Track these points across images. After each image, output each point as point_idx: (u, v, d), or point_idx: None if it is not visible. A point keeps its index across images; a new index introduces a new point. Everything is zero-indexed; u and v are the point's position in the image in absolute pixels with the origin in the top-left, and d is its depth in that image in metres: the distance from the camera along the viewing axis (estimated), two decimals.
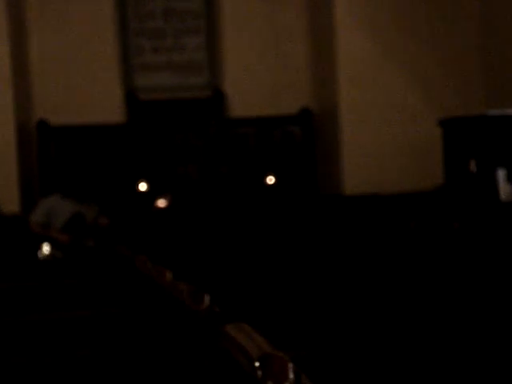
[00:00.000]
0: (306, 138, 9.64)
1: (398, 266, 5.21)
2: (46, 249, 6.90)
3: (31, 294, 3.87)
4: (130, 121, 9.55)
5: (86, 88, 9.50)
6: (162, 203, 8.35)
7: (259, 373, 1.61)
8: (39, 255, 6.86)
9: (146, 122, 9.53)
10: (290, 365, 1.60)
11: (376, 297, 4.57)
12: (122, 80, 9.63)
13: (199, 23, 9.73)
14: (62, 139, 9.36)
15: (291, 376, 1.59)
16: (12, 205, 8.52)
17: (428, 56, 9.12)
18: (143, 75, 9.68)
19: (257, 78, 9.70)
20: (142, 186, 8.84)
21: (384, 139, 9.00)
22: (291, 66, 9.74)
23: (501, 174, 6.76)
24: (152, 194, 8.87)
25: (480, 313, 4.03)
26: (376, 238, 6.75)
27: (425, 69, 9.11)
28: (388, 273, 5.14)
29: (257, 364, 1.62)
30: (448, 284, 4.44)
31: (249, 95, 9.68)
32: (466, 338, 3.58)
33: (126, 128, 9.50)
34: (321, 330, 3.79)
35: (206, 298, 2.53)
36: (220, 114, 9.64)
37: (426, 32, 9.13)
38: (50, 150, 9.33)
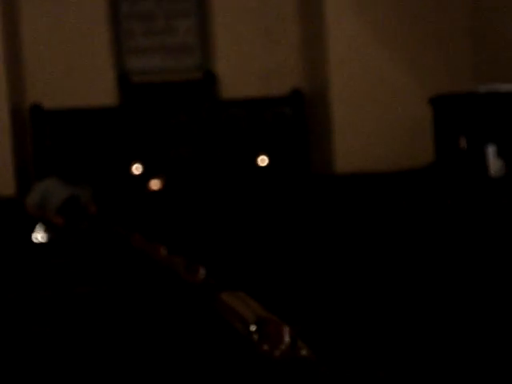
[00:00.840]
0: (297, 118, 9.63)
1: (391, 244, 5.22)
2: (39, 231, 6.90)
3: (27, 273, 3.87)
4: (122, 104, 9.52)
5: (79, 71, 9.47)
6: (155, 185, 8.34)
7: (255, 336, 1.61)
8: (33, 238, 6.86)
9: (138, 104, 9.51)
10: (286, 328, 1.61)
11: (368, 274, 4.57)
12: (114, 63, 9.60)
13: (190, 5, 9.69)
14: (55, 123, 9.33)
15: (287, 339, 1.59)
16: (7, 188, 8.50)
17: (417, 34, 9.10)
18: (135, 58, 9.65)
19: (248, 60, 9.68)
20: (136, 169, 8.82)
21: (375, 118, 9.00)
22: (282, 48, 9.72)
23: (491, 149, 6.77)
24: (145, 176, 8.85)
25: (473, 286, 4.04)
26: (368, 216, 6.75)
27: (414, 47, 9.09)
28: (380, 249, 5.15)
29: (253, 328, 1.62)
30: (442, 258, 4.45)
31: (240, 77, 9.65)
32: (460, 309, 3.59)
33: (119, 111, 9.48)
34: (314, 305, 3.79)
35: (202, 270, 2.54)
36: (212, 95, 9.62)
37: (415, 10, 9.10)
38: (44, 134, 9.30)
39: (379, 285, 4.24)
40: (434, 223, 5.22)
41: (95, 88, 9.47)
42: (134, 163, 8.97)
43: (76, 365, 2.14)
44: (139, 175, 8.91)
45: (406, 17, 9.09)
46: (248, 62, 9.67)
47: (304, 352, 1.58)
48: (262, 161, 9.17)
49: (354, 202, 7.84)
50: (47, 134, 9.28)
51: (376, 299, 3.90)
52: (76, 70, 9.46)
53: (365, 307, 3.81)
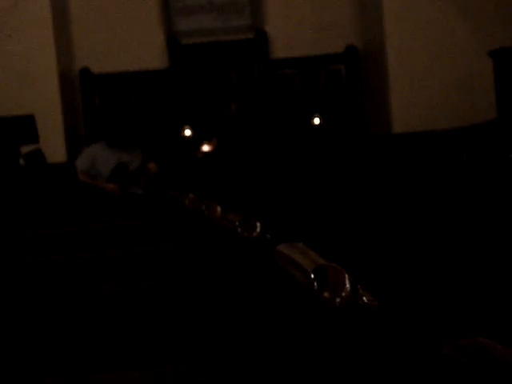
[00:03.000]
0: (351, 76, 9.56)
1: (452, 199, 5.18)
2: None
3: (91, 235, 3.96)
4: (172, 66, 9.55)
5: (128, 34, 9.52)
6: (207, 147, 8.37)
7: (315, 284, 1.62)
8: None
9: (188, 66, 9.53)
10: (346, 275, 1.61)
11: (429, 230, 4.56)
12: (163, 25, 9.63)
13: None
14: (105, 87, 9.41)
15: (348, 286, 1.59)
16: (58, 154, 8.62)
17: None
18: (184, 19, 9.66)
19: (300, 17, 9.61)
20: (187, 131, 8.87)
21: (433, 74, 8.88)
22: (335, 3, 9.62)
23: None
24: (197, 139, 8.89)
25: None
26: (428, 173, 6.70)
27: None
28: (441, 206, 5.12)
29: (312, 276, 1.63)
30: (505, 212, 4.41)
31: (292, 35, 9.60)
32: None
33: (169, 73, 9.51)
34: (369, 256, 3.80)
35: (258, 225, 2.55)
36: (263, 55, 9.59)
37: None
38: (93, 98, 9.39)
39: (438, 237, 4.22)
40: (495, 177, 5.17)
41: (144, 51, 9.52)
42: (185, 125, 9.02)
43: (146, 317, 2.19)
44: (191, 137, 8.96)
45: None
46: (300, 20, 9.60)
47: (365, 299, 1.59)
48: (317, 120, 9.14)
49: (412, 160, 7.77)
50: (97, 99, 9.37)
51: (433, 256, 3.89)
52: (125, 33, 9.50)
53: (420, 263, 3.80)
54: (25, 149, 7.73)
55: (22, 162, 7.69)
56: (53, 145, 8.47)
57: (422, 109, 8.87)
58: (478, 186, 5.11)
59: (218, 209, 3.32)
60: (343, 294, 1.58)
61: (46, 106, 8.65)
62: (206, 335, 2.00)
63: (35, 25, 8.76)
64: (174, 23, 9.63)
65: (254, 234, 2.51)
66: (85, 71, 9.37)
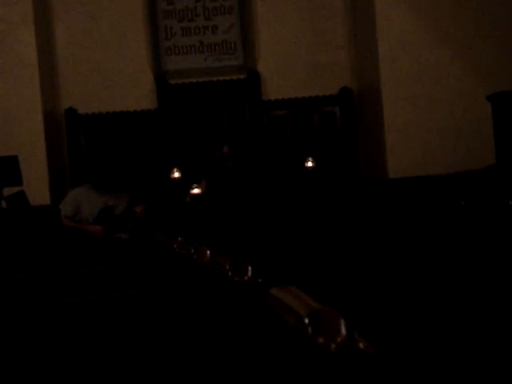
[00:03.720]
0: (346, 118, 9.61)
1: (450, 246, 5.18)
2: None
3: (76, 279, 3.95)
4: (161, 106, 9.59)
5: (115, 74, 9.56)
6: (196, 190, 8.36)
7: (309, 329, 1.60)
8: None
9: (177, 106, 9.56)
10: (342, 320, 1.60)
11: (427, 275, 4.55)
12: (151, 65, 9.68)
13: (232, 2, 9.73)
14: (91, 127, 9.43)
15: (343, 331, 1.58)
16: (42, 196, 8.59)
17: (474, 29, 9.01)
18: (174, 59, 9.72)
19: (293, 58, 9.68)
20: (176, 172, 8.86)
21: (429, 118, 8.92)
22: (329, 45, 9.71)
23: None
24: (187, 180, 8.88)
25: None
26: (425, 220, 6.71)
27: (471, 42, 9.00)
28: (439, 252, 5.12)
29: (306, 321, 1.62)
30: (503, 260, 4.41)
31: (285, 76, 9.66)
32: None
33: (158, 113, 9.54)
34: (364, 300, 3.78)
35: (249, 269, 2.54)
36: (255, 95, 9.64)
37: (472, 4, 9.02)
38: (79, 139, 9.40)
39: (434, 284, 4.22)
40: (494, 224, 5.18)
41: (132, 91, 9.56)
42: (174, 167, 9.02)
43: (136, 361, 2.17)
44: (180, 179, 8.95)
45: (461, 11, 9.01)
46: (293, 60, 9.67)
47: (362, 345, 1.57)
48: (310, 163, 9.16)
49: (408, 207, 7.78)
50: (82, 139, 9.38)
51: (426, 298, 3.87)
52: (112, 73, 9.55)
53: (418, 308, 3.79)
54: (7, 191, 7.70)
55: (4, 204, 7.65)
56: (36, 187, 8.44)
57: (418, 153, 8.91)
58: (476, 232, 5.11)
59: (208, 252, 3.30)
60: (339, 340, 1.57)
61: (29, 146, 8.66)
62: (197, 382, 1.98)
63: (20, 64, 8.80)
64: (163, 63, 9.69)
65: (246, 277, 2.50)
66: (70, 111, 9.40)
